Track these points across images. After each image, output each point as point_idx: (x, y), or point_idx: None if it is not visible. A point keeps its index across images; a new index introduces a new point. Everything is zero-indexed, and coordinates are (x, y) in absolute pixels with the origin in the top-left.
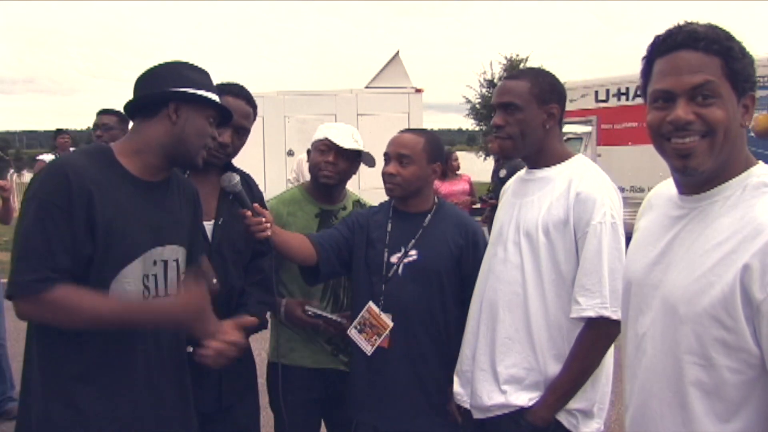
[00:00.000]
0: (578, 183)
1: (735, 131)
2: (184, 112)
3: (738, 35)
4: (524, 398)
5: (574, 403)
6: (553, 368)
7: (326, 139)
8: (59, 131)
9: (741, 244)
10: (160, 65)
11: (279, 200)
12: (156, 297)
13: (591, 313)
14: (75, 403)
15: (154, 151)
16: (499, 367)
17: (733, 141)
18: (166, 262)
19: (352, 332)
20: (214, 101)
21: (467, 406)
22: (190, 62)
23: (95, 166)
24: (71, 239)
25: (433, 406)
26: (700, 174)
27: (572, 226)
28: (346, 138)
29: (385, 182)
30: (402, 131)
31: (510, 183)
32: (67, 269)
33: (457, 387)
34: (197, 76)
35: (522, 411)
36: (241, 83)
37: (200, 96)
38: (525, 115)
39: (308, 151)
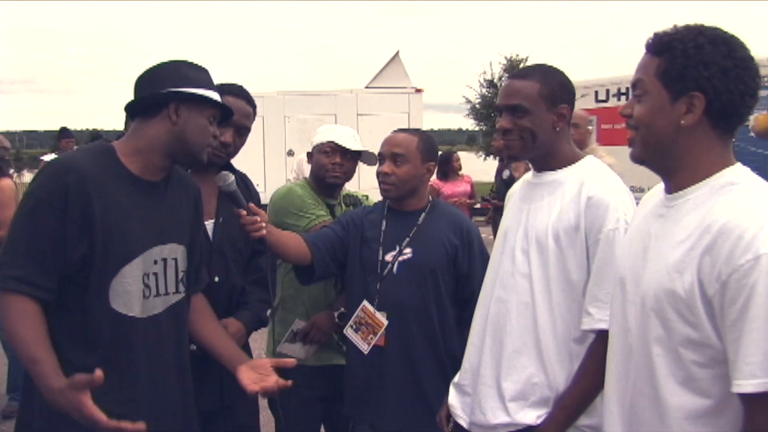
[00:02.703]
0: (589, 187)
1: (666, 128)
2: (184, 111)
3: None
4: (532, 416)
5: (583, 420)
6: (562, 382)
7: (331, 141)
8: (63, 131)
9: (697, 241)
10: (160, 65)
11: (295, 185)
12: (156, 296)
13: (603, 325)
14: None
15: (155, 150)
16: (505, 382)
17: (669, 135)
18: (165, 261)
19: (348, 331)
20: (214, 100)
21: (461, 421)
22: (190, 61)
23: (97, 166)
24: (62, 239)
25: (429, 406)
26: (641, 163)
27: (584, 233)
28: (350, 139)
29: (380, 182)
30: (395, 131)
31: (517, 187)
32: (54, 273)
33: (451, 399)
34: (197, 74)
35: (530, 429)
36: (241, 83)
37: (200, 95)
38: (534, 119)
39: (308, 154)
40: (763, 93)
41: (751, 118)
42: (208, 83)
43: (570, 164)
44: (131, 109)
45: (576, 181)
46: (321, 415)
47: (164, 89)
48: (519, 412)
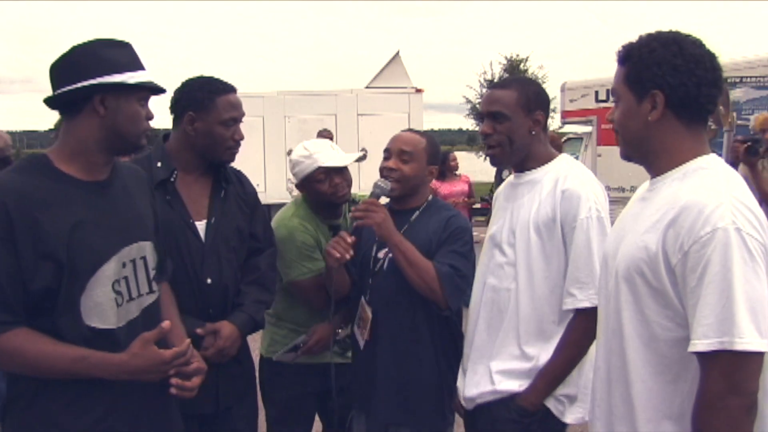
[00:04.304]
0: (563, 181)
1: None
2: (111, 101)
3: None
4: (515, 384)
5: (561, 389)
6: (542, 359)
7: (320, 167)
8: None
9: (663, 215)
10: (75, 50)
11: (300, 219)
12: (130, 301)
13: (587, 304)
14: (42, 410)
15: (91, 149)
16: (493, 361)
17: (641, 133)
18: (134, 261)
19: (355, 328)
20: (141, 84)
21: (462, 401)
22: (108, 38)
23: (36, 183)
24: (18, 272)
25: (413, 399)
26: (627, 159)
27: (560, 223)
28: (334, 155)
29: (384, 177)
30: (404, 130)
31: (501, 189)
32: (20, 305)
33: (459, 382)
34: (116, 54)
35: (512, 397)
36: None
37: (126, 84)
38: (512, 124)
39: (297, 185)
40: (763, 93)
41: (752, 118)
42: (130, 63)
43: (545, 163)
44: (52, 104)
45: (552, 178)
46: (313, 412)
47: (85, 79)
48: (503, 381)
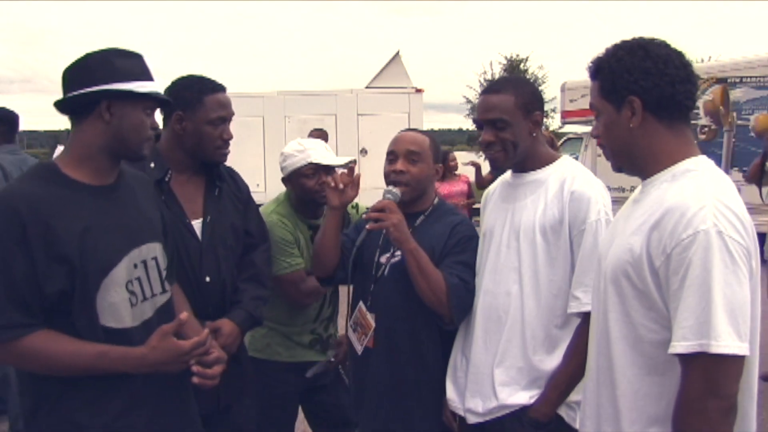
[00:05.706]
0: (571, 182)
1: (623, 134)
2: (117, 109)
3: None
4: (524, 396)
5: (573, 396)
6: (550, 365)
7: (311, 163)
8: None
9: (648, 218)
10: (89, 56)
11: (279, 215)
12: (144, 301)
13: (589, 308)
14: (60, 408)
15: (95, 155)
16: (498, 369)
17: (626, 141)
18: (145, 262)
19: (349, 331)
20: (147, 94)
21: (459, 411)
22: (121, 48)
23: (46, 190)
24: (34, 275)
25: (409, 410)
26: (618, 171)
27: (567, 225)
28: (326, 154)
29: (391, 182)
30: (405, 130)
31: (494, 188)
32: (37, 308)
33: (450, 393)
34: (128, 64)
35: (524, 409)
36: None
37: (132, 92)
38: (514, 130)
39: (283, 179)
40: (763, 93)
41: (752, 118)
42: (140, 73)
43: (548, 164)
44: (62, 107)
45: (557, 179)
46: (296, 407)
47: (94, 85)
48: (513, 395)
